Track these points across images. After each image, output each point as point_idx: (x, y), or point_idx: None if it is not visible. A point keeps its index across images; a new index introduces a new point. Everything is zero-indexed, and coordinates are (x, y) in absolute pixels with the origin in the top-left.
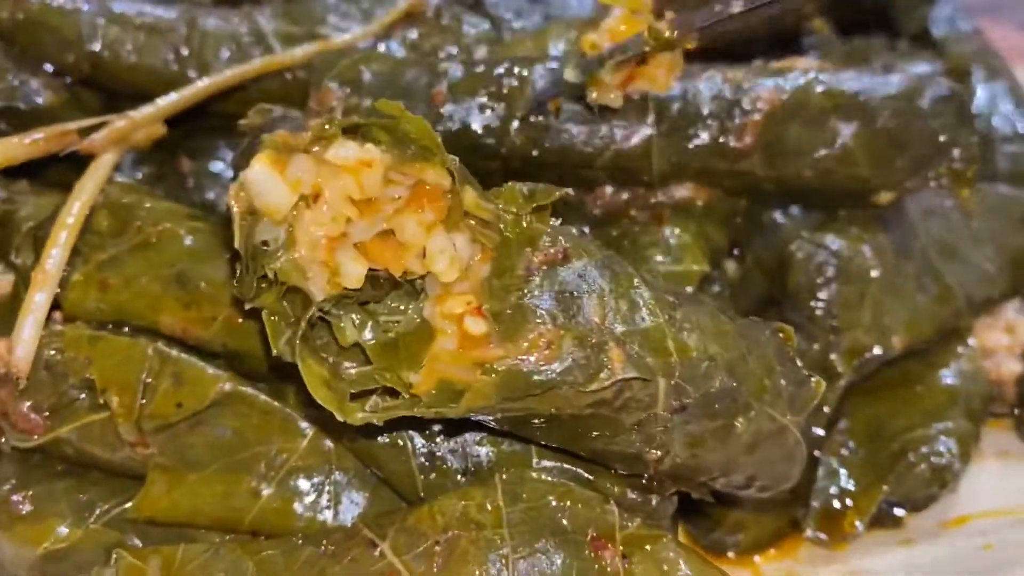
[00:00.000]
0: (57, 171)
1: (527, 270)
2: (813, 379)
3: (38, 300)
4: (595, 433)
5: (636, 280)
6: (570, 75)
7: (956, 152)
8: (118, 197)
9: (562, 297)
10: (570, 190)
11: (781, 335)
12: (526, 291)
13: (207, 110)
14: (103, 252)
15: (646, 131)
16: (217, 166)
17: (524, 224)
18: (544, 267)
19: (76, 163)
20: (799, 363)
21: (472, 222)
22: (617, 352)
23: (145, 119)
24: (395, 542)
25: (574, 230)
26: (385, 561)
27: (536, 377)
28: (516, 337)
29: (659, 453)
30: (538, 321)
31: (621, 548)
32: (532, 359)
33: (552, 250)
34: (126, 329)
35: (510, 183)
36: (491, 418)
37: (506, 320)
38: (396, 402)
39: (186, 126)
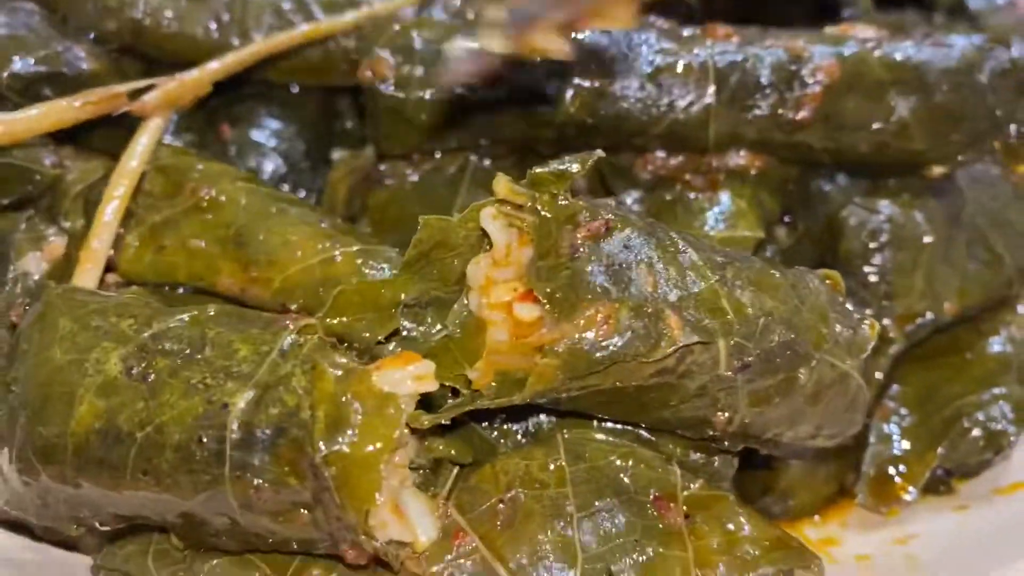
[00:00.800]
0: (100, 137)
1: (572, 247)
2: (867, 322)
3: (92, 262)
4: (660, 402)
5: (681, 243)
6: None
7: (1012, 127)
8: (169, 160)
9: (612, 270)
10: (600, 152)
11: (829, 282)
12: (575, 268)
13: (248, 78)
14: (157, 214)
15: (706, 100)
16: (258, 134)
17: (561, 202)
18: (589, 242)
19: (120, 129)
20: (850, 308)
21: (507, 208)
22: (675, 318)
23: (194, 81)
24: (459, 500)
25: (612, 201)
26: (450, 519)
27: (598, 354)
28: (572, 316)
29: (726, 415)
30: (591, 297)
31: (684, 508)
32: (591, 336)
33: (594, 224)
34: (181, 291)
35: (535, 169)
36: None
37: (559, 300)
38: (459, 400)
39: (227, 94)
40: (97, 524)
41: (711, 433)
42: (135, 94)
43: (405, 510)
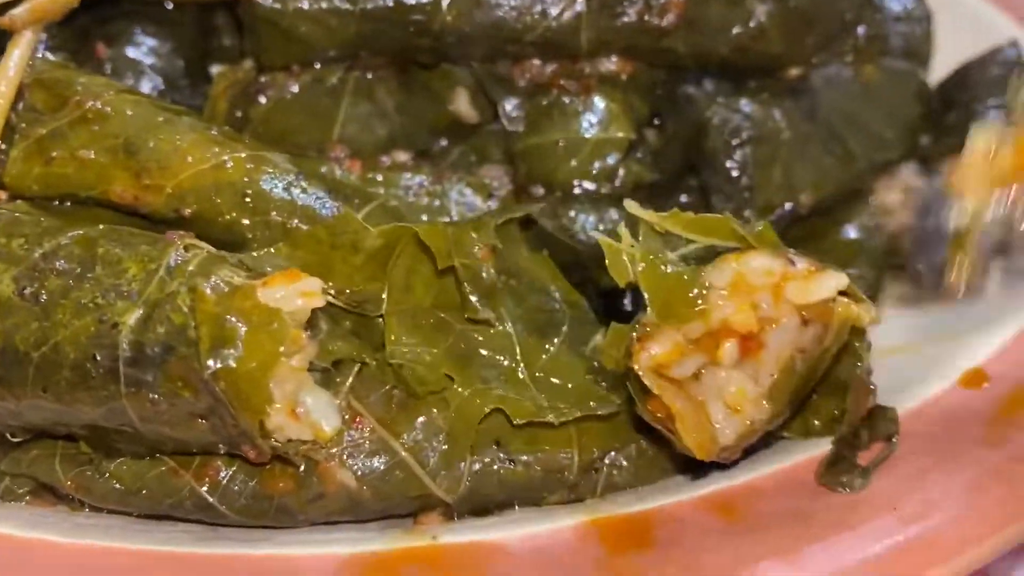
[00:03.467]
0: None
1: None
2: None
3: None
4: None
5: None
6: None
7: (861, 30)
8: (49, 73)
9: None
10: None
11: None
12: None
13: None
14: (42, 127)
15: (577, 8)
16: (134, 52)
17: None
18: None
19: None
20: None
21: None
22: None
23: None
24: (356, 391)
25: None
26: (349, 409)
27: None
28: None
29: None
30: None
31: None
32: None
33: None
34: (71, 204)
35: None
36: None
37: None
38: None
39: (100, 12)
40: (8, 435)
41: None
42: (1, 9)
43: (307, 408)
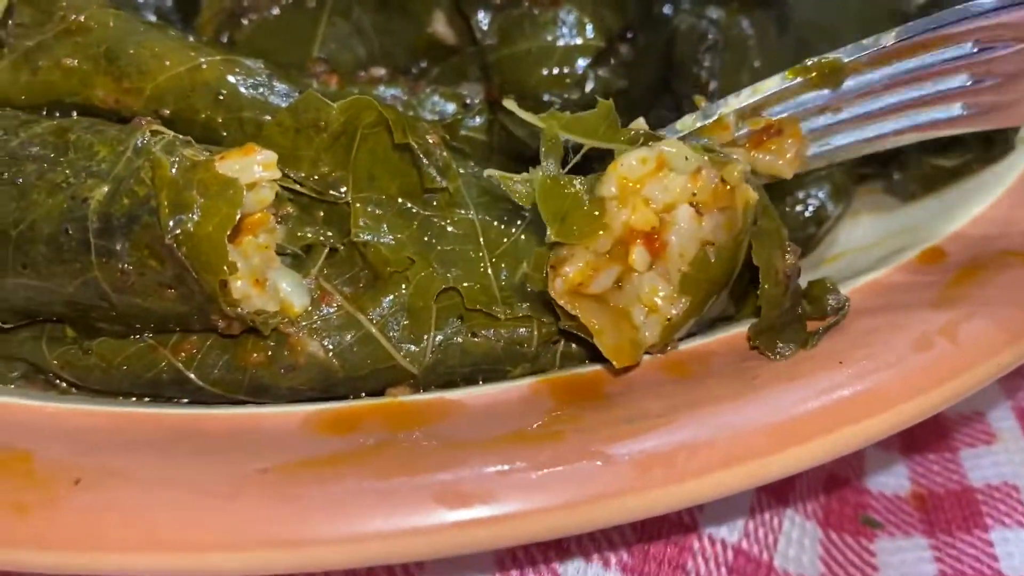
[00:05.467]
0: None
1: None
2: None
3: None
4: None
5: None
6: None
7: None
8: None
9: None
10: None
11: None
12: None
13: None
14: (29, 40)
15: None
16: None
17: None
18: None
19: None
20: None
21: None
22: None
23: None
24: (326, 273)
25: None
26: (319, 290)
27: None
28: None
29: None
30: None
31: None
32: None
33: None
34: (58, 115)
35: None
36: None
37: None
38: None
39: None
40: None
41: None
42: None
43: (276, 284)
